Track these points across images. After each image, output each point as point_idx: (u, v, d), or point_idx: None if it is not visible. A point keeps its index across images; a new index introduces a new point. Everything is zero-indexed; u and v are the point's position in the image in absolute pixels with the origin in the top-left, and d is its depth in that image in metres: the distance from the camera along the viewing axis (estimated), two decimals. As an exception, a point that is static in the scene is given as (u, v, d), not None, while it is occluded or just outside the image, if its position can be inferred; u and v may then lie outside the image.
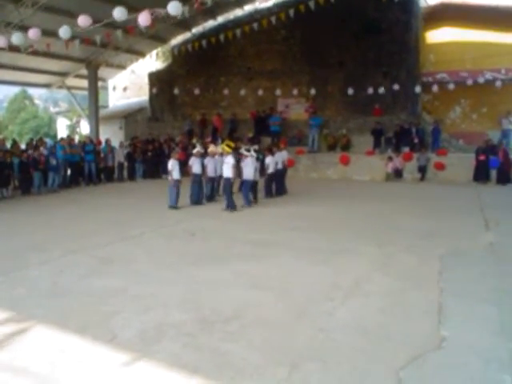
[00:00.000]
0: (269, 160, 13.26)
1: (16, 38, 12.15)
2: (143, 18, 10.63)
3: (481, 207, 11.85)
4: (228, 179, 11.56)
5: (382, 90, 20.09)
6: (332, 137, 20.79)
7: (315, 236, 8.69)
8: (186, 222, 10.15)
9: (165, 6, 10.86)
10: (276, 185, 13.86)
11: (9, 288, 5.94)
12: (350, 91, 20.59)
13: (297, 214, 11.13)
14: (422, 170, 17.38)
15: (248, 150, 12.40)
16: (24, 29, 18.81)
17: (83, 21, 11.31)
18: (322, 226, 9.71)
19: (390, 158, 17.77)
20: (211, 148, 12.83)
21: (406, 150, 18.47)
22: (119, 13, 10.80)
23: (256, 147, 13.83)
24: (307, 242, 8.25)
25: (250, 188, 12.20)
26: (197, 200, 12.33)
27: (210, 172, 12.58)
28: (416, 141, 18.96)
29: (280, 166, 13.80)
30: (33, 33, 11.99)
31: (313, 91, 21.27)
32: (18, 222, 10.67)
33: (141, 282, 6.11)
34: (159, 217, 10.95)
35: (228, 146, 13.03)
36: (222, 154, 12.52)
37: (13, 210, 12.58)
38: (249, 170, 12.03)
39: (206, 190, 12.90)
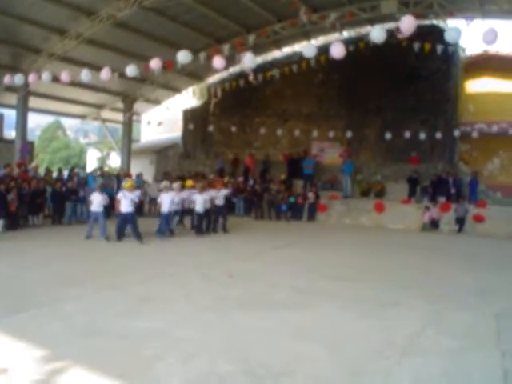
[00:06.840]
0: (195, 197, 13.79)
1: (85, 75, 12.53)
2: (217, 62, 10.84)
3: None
4: (132, 214, 12.18)
5: (420, 137, 19.75)
6: (366, 183, 20.41)
7: (356, 285, 8.20)
8: (223, 264, 9.82)
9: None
10: (213, 221, 14.58)
11: (43, 323, 5.56)
12: (387, 137, 20.29)
13: (332, 260, 10.71)
14: (460, 221, 16.68)
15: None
16: (66, 60, 19.27)
17: (104, 74, 11.83)
18: (361, 275, 9.19)
19: (427, 208, 17.22)
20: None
21: (443, 200, 17.92)
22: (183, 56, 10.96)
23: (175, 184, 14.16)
24: (349, 291, 7.77)
25: (165, 220, 13.13)
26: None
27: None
28: (453, 191, 18.44)
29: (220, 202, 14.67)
30: (105, 73, 12.31)
31: (349, 134, 21.00)
32: (50, 253, 10.41)
33: (181, 324, 5.71)
34: (191, 254, 10.69)
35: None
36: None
37: (44, 239, 12.36)
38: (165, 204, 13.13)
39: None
